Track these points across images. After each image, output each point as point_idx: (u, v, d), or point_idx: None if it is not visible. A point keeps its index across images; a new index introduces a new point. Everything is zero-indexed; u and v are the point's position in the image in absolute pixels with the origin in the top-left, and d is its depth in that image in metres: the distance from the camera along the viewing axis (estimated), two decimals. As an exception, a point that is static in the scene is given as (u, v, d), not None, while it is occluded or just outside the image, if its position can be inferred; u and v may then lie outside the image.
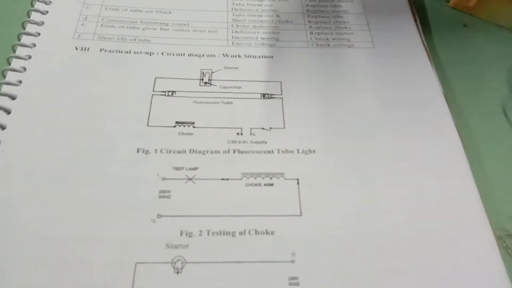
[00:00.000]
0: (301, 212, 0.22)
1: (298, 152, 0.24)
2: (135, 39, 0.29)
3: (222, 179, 0.23)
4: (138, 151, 0.24)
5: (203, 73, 0.28)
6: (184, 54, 0.28)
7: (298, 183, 0.23)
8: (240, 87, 0.27)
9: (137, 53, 0.28)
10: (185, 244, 0.21)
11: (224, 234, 0.22)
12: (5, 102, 0.25)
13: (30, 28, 0.29)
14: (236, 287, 0.20)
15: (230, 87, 0.27)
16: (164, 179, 0.23)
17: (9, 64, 0.27)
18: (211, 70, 0.28)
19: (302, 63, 0.28)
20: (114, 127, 0.25)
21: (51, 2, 0.30)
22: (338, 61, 0.29)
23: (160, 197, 0.22)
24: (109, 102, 0.26)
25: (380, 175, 0.24)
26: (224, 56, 0.29)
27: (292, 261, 0.21)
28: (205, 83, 0.27)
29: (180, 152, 0.24)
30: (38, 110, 0.25)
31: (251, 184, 0.23)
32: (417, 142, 0.25)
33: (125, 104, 0.26)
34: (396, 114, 0.26)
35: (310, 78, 0.28)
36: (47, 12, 0.30)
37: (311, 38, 0.30)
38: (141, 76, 0.27)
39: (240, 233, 0.22)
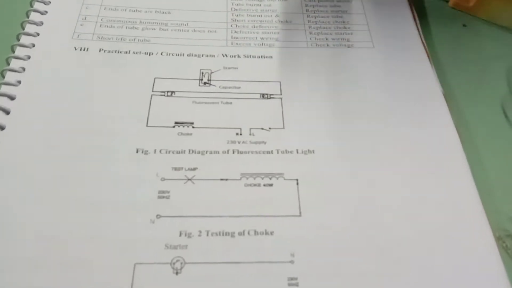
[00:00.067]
0: (300, 213, 0.22)
1: (297, 152, 0.24)
2: (134, 39, 0.29)
3: (222, 179, 0.23)
4: (137, 151, 0.24)
5: (202, 73, 0.28)
6: (183, 54, 0.28)
7: (297, 184, 0.23)
8: (239, 87, 0.27)
9: (136, 53, 0.28)
10: (184, 244, 0.21)
11: (223, 234, 0.22)
12: (4, 102, 0.25)
13: (29, 28, 0.29)
14: (236, 287, 0.20)
15: (230, 87, 0.27)
16: (163, 179, 0.23)
17: (8, 64, 0.27)
18: (211, 70, 0.28)
19: (301, 63, 0.28)
20: (113, 127, 0.25)
21: (50, 2, 0.30)
22: (338, 61, 0.29)
23: (159, 197, 0.22)
24: (108, 103, 0.26)
25: (379, 175, 0.24)
26: (223, 56, 0.29)
27: (292, 262, 0.21)
28: (205, 83, 0.27)
29: (179, 153, 0.24)
30: (37, 111, 0.25)
31: (250, 185, 0.23)
32: (416, 142, 0.25)
33: (124, 104, 0.26)
34: (396, 115, 0.26)
35: (310, 78, 0.28)
36: (46, 12, 0.30)
37: (310, 38, 0.30)
38: (140, 76, 0.27)
39: (240, 234, 0.22)
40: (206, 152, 0.24)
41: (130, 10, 0.31)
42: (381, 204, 0.23)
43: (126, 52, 0.28)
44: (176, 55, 0.28)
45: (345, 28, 0.31)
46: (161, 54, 0.28)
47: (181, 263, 0.21)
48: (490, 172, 0.25)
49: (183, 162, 0.24)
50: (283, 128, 0.25)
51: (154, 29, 0.30)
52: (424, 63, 0.29)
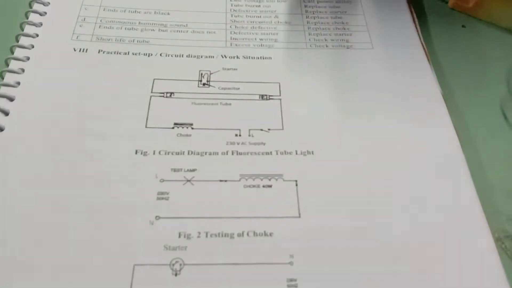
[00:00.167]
0: (299, 214, 0.22)
1: (296, 153, 0.24)
2: (133, 40, 0.29)
3: (221, 180, 0.23)
4: (136, 152, 0.24)
5: (201, 74, 0.28)
6: (182, 55, 0.28)
7: (296, 185, 0.23)
8: (238, 88, 0.27)
9: (136, 54, 0.28)
10: (184, 246, 0.21)
11: (222, 236, 0.21)
12: (3, 103, 0.25)
13: (28, 29, 0.29)
14: (235, 289, 0.20)
15: (229, 88, 0.27)
16: (162, 180, 0.23)
17: (7, 65, 0.27)
18: (210, 71, 0.28)
19: (300, 64, 0.28)
20: (112, 128, 0.25)
21: (49, 3, 0.30)
22: (337, 62, 0.29)
23: (158, 198, 0.22)
24: (107, 104, 0.26)
25: (378, 177, 0.24)
26: (222, 57, 0.29)
27: (291, 263, 0.21)
28: (204, 84, 0.27)
29: (178, 154, 0.24)
30: (36, 112, 0.25)
31: (249, 186, 0.23)
32: (415, 143, 0.25)
33: (123, 106, 0.26)
34: (395, 116, 0.26)
35: (309, 79, 0.28)
36: (46, 13, 0.30)
37: (309, 39, 0.30)
38: (139, 77, 0.27)
39: (239, 235, 0.22)
40: (205, 153, 0.24)
41: (129, 11, 0.31)
42: (380, 205, 0.23)
43: (125, 53, 0.28)
44: (175, 56, 0.28)
45: (344, 29, 0.31)
46: (160, 55, 0.28)
47: (180, 265, 0.21)
48: (489, 173, 0.25)
49: (182, 163, 0.24)
50: (282, 129, 0.25)
51: (153, 30, 0.30)
52: (423, 64, 0.29)
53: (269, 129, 0.25)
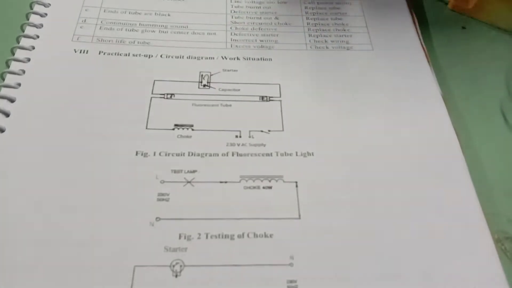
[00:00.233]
0: (299, 215, 0.22)
1: (296, 154, 0.24)
2: (134, 41, 0.29)
3: (221, 182, 0.23)
4: (136, 154, 0.24)
5: (202, 75, 0.28)
6: (183, 57, 0.28)
7: (296, 186, 0.23)
8: (239, 90, 0.27)
9: (136, 55, 0.28)
10: (184, 247, 0.21)
11: (222, 237, 0.22)
12: (4, 105, 0.25)
13: (29, 30, 0.29)
14: (235, 290, 0.20)
15: (229, 90, 0.27)
16: (162, 182, 0.23)
17: (8, 66, 0.27)
18: (210, 72, 0.28)
19: (301, 65, 0.29)
20: (113, 129, 0.25)
21: (50, 4, 0.30)
22: (337, 64, 0.29)
23: (158, 200, 0.23)
24: (108, 105, 0.26)
25: (378, 178, 0.24)
26: (223, 58, 0.29)
27: (291, 264, 0.21)
28: (204, 85, 0.27)
29: (179, 155, 0.24)
30: (37, 113, 0.25)
31: (249, 187, 0.23)
32: (415, 144, 0.25)
33: (124, 107, 0.26)
34: (395, 117, 0.26)
35: (309, 81, 0.28)
36: (46, 14, 0.30)
37: (309, 41, 0.30)
38: (140, 79, 0.27)
39: (239, 236, 0.22)
40: (206, 155, 0.24)
41: (129, 13, 0.31)
42: (380, 206, 0.23)
43: (126, 55, 0.28)
44: (175, 57, 0.28)
45: (344, 30, 0.31)
46: (161, 56, 0.28)
47: (181, 266, 0.21)
48: (489, 175, 0.25)
49: (183, 165, 0.24)
50: (283, 130, 0.25)
51: (154, 32, 0.30)
52: (423, 66, 0.29)
53: (269, 131, 0.25)
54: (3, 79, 0.26)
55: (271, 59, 0.29)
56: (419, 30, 0.31)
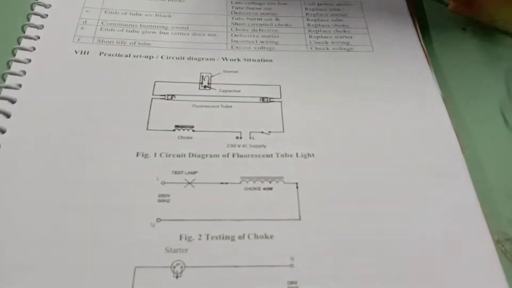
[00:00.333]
0: (300, 216, 0.22)
1: (297, 156, 0.25)
2: (134, 42, 0.29)
3: (221, 183, 0.23)
4: (137, 155, 0.24)
5: (202, 76, 0.28)
6: (183, 58, 0.28)
7: (297, 187, 0.23)
8: (239, 91, 0.27)
9: (137, 56, 0.28)
10: (185, 248, 0.21)
11: (223, 238, 0.22)
12: (4, 105, 0.25)
13: (29, 31, 0.29)
14: (235, 291, 0.20)
15: (230, 91, 0.27)
16: (163, 183, 0.23)
17: (9, 67, 0.27)
18: (211, 73, 0.28)
19: (301, 66, 0.29)
20: (114, 131, 0.25)
21: (50, 5, 0.30)
22: (337, 65, 0.29)
23: (159, 201, 0.23)
24: (109, 106, 0.26)
25: (378, 180, 0.24)
26: (223, 59, 0.29)
27: (291, 266, 0.21)
28: (205, 86, 0.27)
29: (179, 156, 0.24)
30: (38, 114, 0.25)
31: (250, 188, 0.23)
32: (415, 145, 0.25)
33: (124, 108, 0.26)
34: (395, 118, 0.26)
35: (309, 82, 0.28)
36: (47, 15, 0.30)
37: (310, 42, 0.30)
38: (140, 80, 0.27)
39: (239, 237, 0.22)
40: (206, 156, 0.24)
41: (130, 14, 0.31)
42: (381, 207, 0.23)
43: (127, 56, 0.28)
44: (176, 58, 0.28)
45: (344, 31, 0.31)
46: (161, 57, 0.28)
47: (181, 267, 0.21)
48: (489, 176, 0.25)
49: (183, 166, 0.24)
50: (283, 131, 0.25)
51: (155, 33, 0.30)
52: (424, 67, 0.29)
53: (269, 132, 0.25)
54: (4, 80, 0.26)
55: (271, 60, 0.29)
56: (419, 31, 0.31)
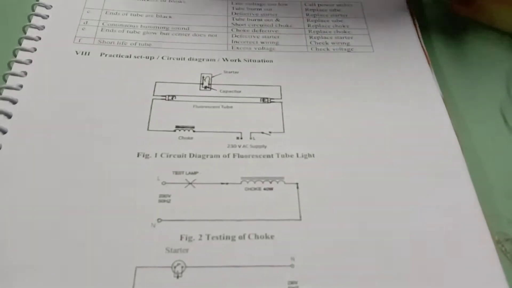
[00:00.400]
0: (300, 217, 0.22)
1: (297, 156, 0.25)
2: (135, 43, 0.29)
3: (222, 183, 0.23)
4: (138, 155, 0.24)
5: (203, 77, 0.28)
6: (184, 59, 0.29)
7: (297, 188, 0.23)
8: (240, 91, 0.27)
9: (138, 57, 0.28)
10: (185, 248, 0.21)
11: (223, 238, 0.22)
12: (6, 106, 0.25)
13: (31, 32, 0.29)
14: (236, 291, 0.20)
15: (230, 91, 0.27)
16: (164, 183, 0.23)
17: (10, 68, 0.27)
18: (211, 74, 0.28)
19: (301, 67, 0.29)
20: (114, 131, 0.25)
21: (51, 6, 0.30)
22: (338, 65, 0.29)
23: (160, 201, 0.23)
24: (109, 107, 0.26)
25: (378, 180, 0.24)
26: (224, 60, 0.29)
27: (292, 266, 0.21)
28: (205, 87, 0.27)
29: (180, 156, 0.24)
30: (39, 115, 0.25)
31: (250, 189, 0.23)
32: (416, 146, 0.25)
33: (125, 109, 0.26)
34: (395, 118, 0.26)
35: (310, 82, 0.28)
36: (48, 16, 0.30)
37: (310, 42, 0.30)
38: (141, 81, 0.27)
39: (240, 238, 0.22)
40: (207, 156, 0.24)
41: (131, 14, 0.31)
42: (381, 207, 0.23)
43: (127, 56, 0.28)
44: (177, 59, 0.28)
45: (345, 32, 0.31)
46: (162, 58, 0.28)
47: (182, 267, 0.21)
48: (489, 176, 0.25)
49: (184, 166, 0.24)
50: (284, 132, 0.26)
51: (155, 33, 0.30)
52: (424, 67, 0.29)
53: (270, 132, 0.25)
54: (5, 81, 0.26)
55: (272, 61, 0.29)
56: (420, 32, 0.31)
